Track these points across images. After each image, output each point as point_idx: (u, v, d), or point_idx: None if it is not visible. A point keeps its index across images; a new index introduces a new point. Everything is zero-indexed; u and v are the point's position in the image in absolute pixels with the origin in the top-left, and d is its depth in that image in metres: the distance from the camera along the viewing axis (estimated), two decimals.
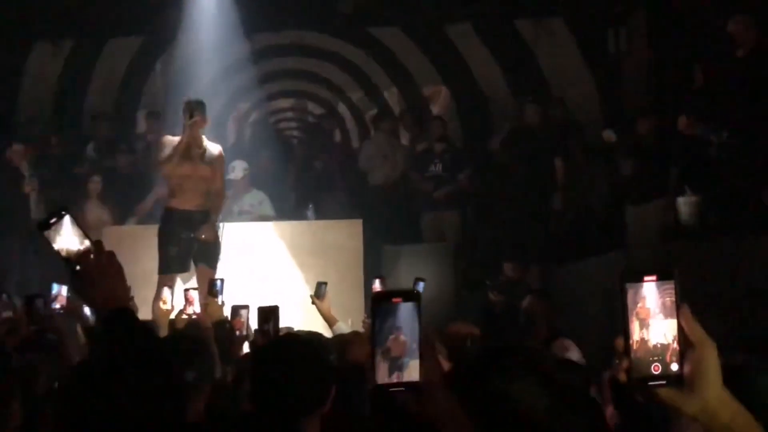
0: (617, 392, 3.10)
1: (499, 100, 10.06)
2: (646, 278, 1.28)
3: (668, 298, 1.27)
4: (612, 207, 7.58)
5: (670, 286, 1.28)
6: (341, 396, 2.73)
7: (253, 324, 4.41)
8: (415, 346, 1.39)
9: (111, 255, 1.80)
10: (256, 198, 8.20)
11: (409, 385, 1.39)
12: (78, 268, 1.77)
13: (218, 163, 6.52)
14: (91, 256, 1.78)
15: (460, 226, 8.63)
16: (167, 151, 6.38)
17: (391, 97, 11.42)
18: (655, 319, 1.27)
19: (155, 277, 6.16)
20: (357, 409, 2.80)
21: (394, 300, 1.40)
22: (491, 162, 8.99)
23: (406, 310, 1.40)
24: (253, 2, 9.27)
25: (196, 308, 4.81)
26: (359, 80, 11.90)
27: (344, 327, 4.70)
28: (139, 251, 6.79)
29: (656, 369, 1.26)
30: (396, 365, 1.40)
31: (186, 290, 5.06)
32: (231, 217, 7.88)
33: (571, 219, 7.93)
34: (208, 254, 6.42)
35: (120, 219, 8.49)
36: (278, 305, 4.25)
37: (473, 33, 10.14)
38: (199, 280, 6.23)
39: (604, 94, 9.05)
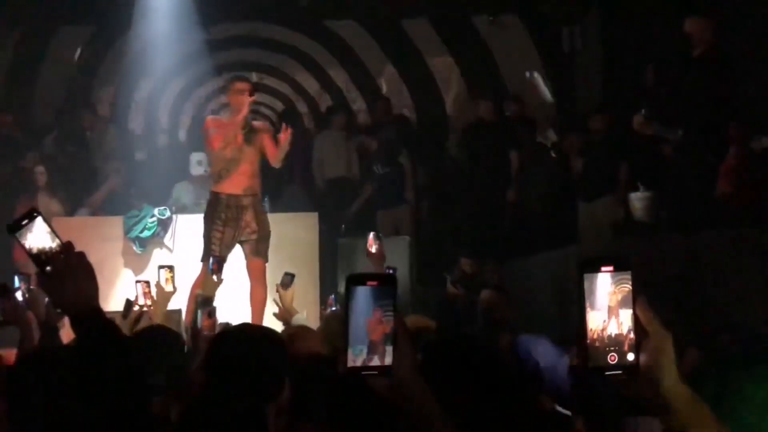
0: (576, 380, 3.14)
1: (455, 96, 10.11)
2: (603, 268, 1.28)
3: (625, 289, 1.28)
4: (564, 203, 7.67)
5: (626, 276, 1.28)
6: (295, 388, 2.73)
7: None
8: (389, 330, 1.39)
9: (81, 255, 1.80)
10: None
11: (382, 369, 1.38)
12: (48, 268, 1.76)
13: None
14: (61, 256, 1.77)
15: (416, 221, 8.65)
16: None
17: (348, 90, 11.41)
18: (611, 310, 1.27)
19: (105, 269, 6.06)
20: (310, 402, 2.79)
21: (370, 283, 1.39)
22: (447, 157, 9.03)
23: (381, 294, 1.39)
24: None
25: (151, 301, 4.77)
26: (316, 74, 11.87)
27: (302, 319, 4.71)
28: (90, 243, 6.67)
29: (612, 359, 1.26)
30: (374, 350, 1.39)
31: (138, 281, 5.00)
32: (186, 209, 7.80)
33: (524, 214, 8.01)
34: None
35: (71, 210, 8.34)
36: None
37: (430, 28, 10.18)
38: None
39: (559, 91, 9.14)
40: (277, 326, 4.64)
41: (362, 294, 1.39)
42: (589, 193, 7.12)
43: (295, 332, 4.06)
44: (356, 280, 1.40)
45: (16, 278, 4.81)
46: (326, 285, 7.30)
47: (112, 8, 9.32)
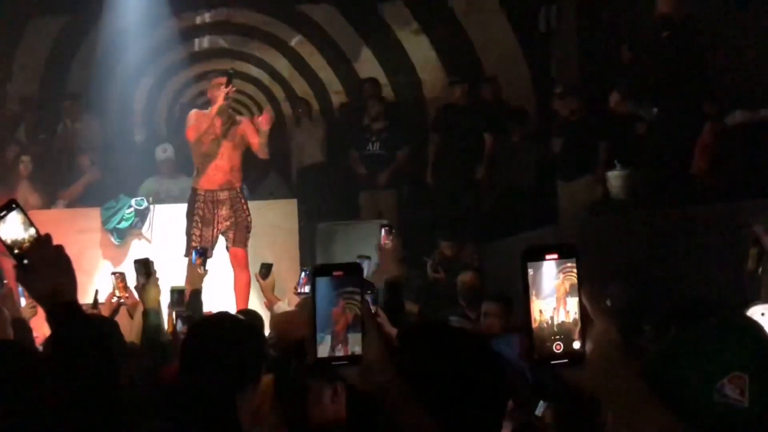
0: (533, 368, 3.18)
1: (432, 79, 10.09)
2: (547, 256, 1.26)
3: (570, 276, 1.26)
4: (542, 183, 7.69)
5: (571, 264, 1.26)
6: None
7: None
8: (357, 319, 1.39)
9: (59, 248, 1.78)
10: (186, 182, 8.07)
11: (351, 359, 1.39)
12: (26, 261, 1.75)
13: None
14: (38, 249, 1.76)
15: (397, 205, 8.65)
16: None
17: (326, 76, 11.35)
18: (558, 298, 1.26)
19: (83, 261, 6.04)
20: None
21: (335, 273, 1.40)
22: (426, 140, 9.02)
23: (347, 283, 1.40)
24: None
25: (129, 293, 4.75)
26: (291, 59, 11.80)
27: (284, 306, 4.75)
28: (67, 235, 6.62)
29: (558, 348, 1.25)
30: (338, 339, 1.39)
31: (113, 273, 4.98)
32: (163, 200, 7.76)
33: (501, 196, 8.02)
34: None
35: (47, 203, 8.26)
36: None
37: (406, 10, 10.14)
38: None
39: (535, 71, 9.14)
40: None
41: (327, 284, 1.39)
42: (569, 173, 7.14)
43: (280, 319, 4.09)
44: (321, 271, 1.40)
45: None
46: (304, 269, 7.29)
47: None
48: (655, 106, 6.09)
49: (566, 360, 1.26)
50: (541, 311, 1.26)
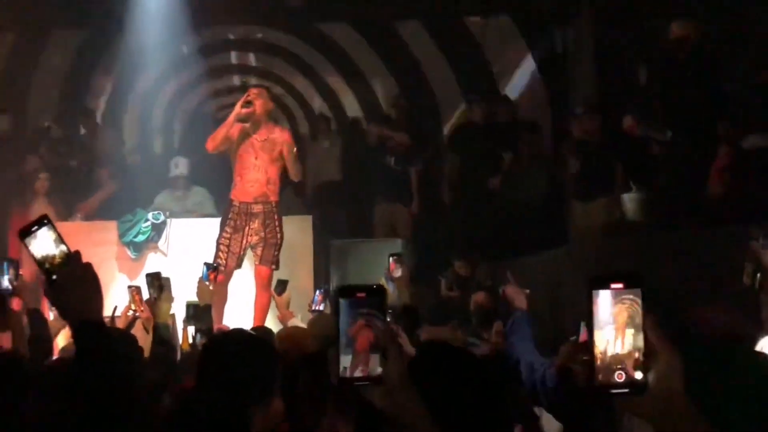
0: (564, 382, 3.18)
1: (448, 97, 10.13)
2: (612, 285, 1.27)
3: (632, 306, 1.27)
4: (556, 204, 7.69)
5: (636, 293, 1.27)
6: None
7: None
8: (379, 340, 1.42)
9: (88, 266, 1.80)
10: (199, 196, 8.12)
11: (373, 379, 1.41)
12: (54, 277, 1.76)
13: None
14: (69, 265, 1.78)
15: (411, 222, 8.67)
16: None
17: (342, 92, 11.43)
18: (618, 327, 1.27)
19: (100, 275, 6.04)
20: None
21: (359, 295, 1.42)
22: (440, 158, 9.05)
23: (370, 305, 1.42)
24: None
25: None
26: (308, 76, 11.89)
27: (298, 322, 4.78)
28: (84, 248, 6.66)
29: (620, 377, 1.26)
30: (359, 359, 1.42)
31: (130, 287, 5.03)
32: (177, 215, 7.81)
33: (514, 215, 8.03)
34: None
35: (64, 215, 8.33)
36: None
37: (423, 30, 10.20)
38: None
39: (551, 92, 9.17)
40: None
41: (350, 305, 1.42)
42: (584, 193, 7.15)
43: (286, 333, 4.13)
44: (345, 292, 1.43)
45: (5, 263, 4.84)
46: (320, 286, 7.31)
47: (105, 12, 9.32)
48: (671, 129, 6.09)
49: (627, 390, 1.26)
50: (602, 339, 1.27)
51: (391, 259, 5.17)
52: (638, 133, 6.42)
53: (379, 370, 1.42)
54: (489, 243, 7.82)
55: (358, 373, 1.42)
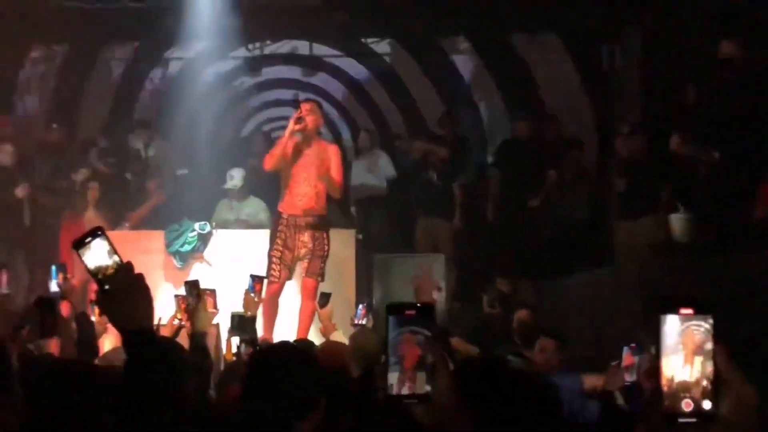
0: (605, 404, 3.17)
1: (493, 114, 10.13)
2: (682, 310, 1.24)
3: (704, 333, 1.23)
4: (600, 223, 7.63)
5: (707, 320, 1.24)
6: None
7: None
8: (427, 358, 1.43)
9: (140, 277, 1.83)
10: (254, 206, 8.21)
11: (421, 397, 1.43)
12: (107, 287, 1.80)
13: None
14: (121, 276, 1.81)
15: (453, 238, 8.66)
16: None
17: (386, 108, 11.48)
18: (687, 354, 1.24)
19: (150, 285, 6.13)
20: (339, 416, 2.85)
21: (408, 312, 1.44)
22: (484, 175, 9.04)
23: (418, 322, 1.44)
24: (249, 11, 9.31)
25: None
26: (353, 90, 11.97)
27: (340, 336, 4.80)
28: (131, 257, 6.76)
29: (687, 406, 1.23)
30: (405, 376, 1.43)
31: (177, 296, 5.10)
32: (228, 225, 7.90)
33: (559, 234, 7.99)
34: None
35: (113, 224, 8.47)
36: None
37: (468, 45, 10.23)
38: None
39: (597, 110, 9.12)
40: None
41: (399, 322, 1.44)
42: (629, 213, 7.08)
43: (323, 348, 4.14)
44: (394, 309, 1.45)
45: (54, 268, 4.96)
46: (362, 300, 7.34)
47: (156, 26, 9.50)
48: (718, 149, 6.02)
49: (695, 419, 1.23)
50: (670, 366, 1.24)
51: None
52: (685, 153, 6.35)
53: (427, 388, 1.43)
54: (532, 260, 7.78)
55: (405, 391, 1.43)
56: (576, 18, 9.22)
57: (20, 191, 8.11)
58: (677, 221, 6.38)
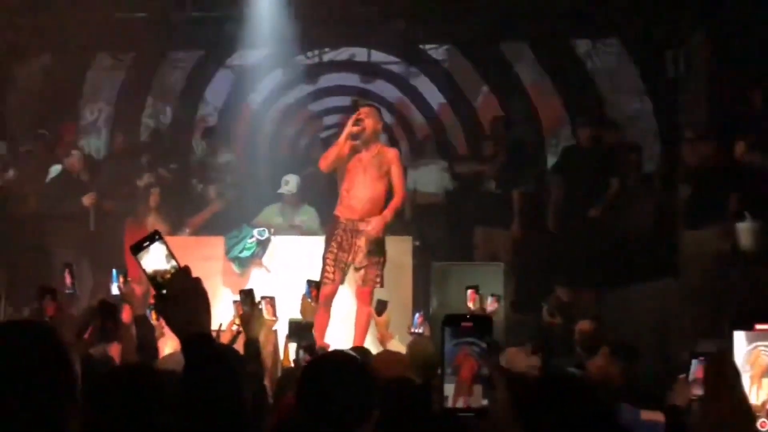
0: (673, 419, 3.06)
1: (553, 120, 10.01)
2: (757, 326, 1.19)
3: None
4: (664, 232, 7.46)
5: None
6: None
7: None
8: (484, 370, 1.39)
9: (198, 281, 1.83)
10: (307, 213, 8.24)
11: (478, 411, 1.38)
12: (165, 291, 1.80)
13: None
14: (179, 280, 1.81)
15: (512, 246, 8.56)
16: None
17: (445, 114, 11.43)
18: (750, 375, 1.19)
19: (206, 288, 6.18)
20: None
21: (464, 324, 1.40)
22: (544, 181, 8.92)
23: (474, 335, 1.40)
24: (309, 19, 9.36)
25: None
26: (411, 97, 11.95)
27: (396, 344, 4.77)
28: (191, 262, 6.83)
29: (763, 426, 1.18)
30: (461, 389, 1.39)
31: (235, 301, 5.12)
32: (282, 231, 7.93)
33: (621, 243, 7.83)
34: None
35: (173, 230, 8.59)
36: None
37: (528, 50, 10.12)
38: None
39: (662, 116, 8.93)
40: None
41: (456, 334, 1.40)
42: (695, 221, 6.91)
43: (381, 357, 4.11)
44: (451, 320, 1.41)
45: (114, 271, 5.03)
46: (419, 308, 7.30)
47: (218, 33, 9.62)
48: None
49: None
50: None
51: (468, 291, 5.20)
52: (751, 160, 6.17)
53: (484, 401, 1.39)
54: (593, 269, 7.64)
55: (460, 404, 1.39)
56: (640, 24, 9.06)
57: (87, 200, 8.26)
58: (744, 230, 6.20)
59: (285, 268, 7.47)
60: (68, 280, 5.02)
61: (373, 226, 6.33)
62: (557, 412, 1.61)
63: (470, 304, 5.15)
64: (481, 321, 1.40)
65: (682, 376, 3.32)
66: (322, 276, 6.29)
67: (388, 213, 6.39)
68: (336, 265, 6.37)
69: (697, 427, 2.69)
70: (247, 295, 4.47)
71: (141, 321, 4.55)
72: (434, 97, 11.52)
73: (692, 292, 6.15)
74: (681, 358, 5.00)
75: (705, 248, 6.59)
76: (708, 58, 8.46)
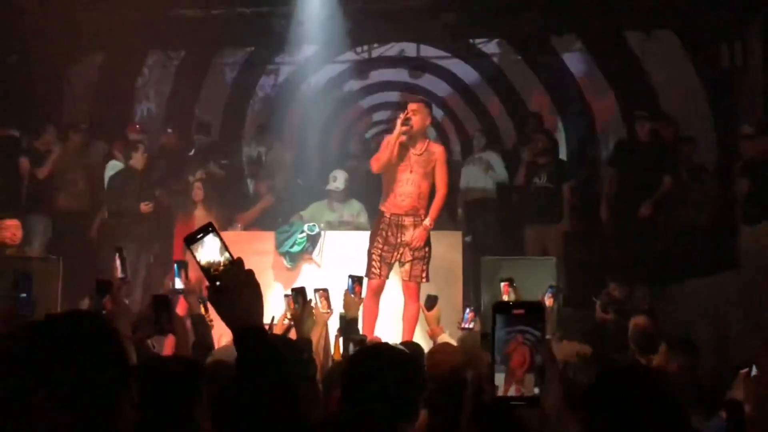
0: (732, 414, 2.98)
1: (605, 113, 9.87)
2: None
3: None
4: (723, 226, 7.30)
5: None
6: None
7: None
8: (536, 359, 1.36)
9: (250, 273, 1.83)
10: (355, 208, 8.25)
11: (530, 400, 1.35)
12: (218, 283, 1.80)
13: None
14: (231, 272, 1.80)
15: (563, 240, 8.46)
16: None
17: (495, 110, 11.35)
18: None
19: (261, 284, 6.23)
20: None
21: (516, 311, 1.37)
22: (596, 176, 8.81)
23: (527, 323, 1.37)
24: (358, 15, 9.36)
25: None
26: (461, 92, 11.89)
27: (447, 338, 4.74)
28: (243, 257, 6.88)
29: None
30: (513, 377, 1.36)
31: (287, 295, 5.14)
32: (331, 226, 7.95)
33: (677, 237, 7.68)
34: None
35: (224, 225, 8.66)
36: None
37: (579, 44, 10.00)
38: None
39: (718, 110, 8.74)
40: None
41: (507, 322, 1.37)
42: (754, 216, 6.74)
43: (436, 349, 4.09)
44: (502, 308, 1.38)
45: (176, 265, 5.07)
46: (469, 304, 7.25)
47: (268, 30, 9.68)
48: None
49: None
50: None
51: (502, 284, 5.13)
52: None
53: (536, 390, 1.35)
54: (647, 264, 7.51)
55: (512, 393, 1.36)
56: (695, 15, 8.87)
57: (144, 207, 8.32)
58: None
59: (334, 262, 7.49)
60: (118, 264, 5.06)
61: (416, 236, 6.35)
62: (624, 402, 1.56)
63: (504, 297, 5.08)
64: (534, 308, 1.37)
65: (743, 370, 3.24)
66: (369, 271, 6.30)
67: (429, 220, 6.41)
68: (382, 260, 6.40)
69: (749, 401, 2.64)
70: (298, 293, 4.48)
71: (198, 320, 4.59)
72: (484, 91, 11.44)
73: (751, 286, 6.00)
74: (738, 352, 4.89)
75: (763, 242, 6.43)
76: (764, 50, 8.26)
